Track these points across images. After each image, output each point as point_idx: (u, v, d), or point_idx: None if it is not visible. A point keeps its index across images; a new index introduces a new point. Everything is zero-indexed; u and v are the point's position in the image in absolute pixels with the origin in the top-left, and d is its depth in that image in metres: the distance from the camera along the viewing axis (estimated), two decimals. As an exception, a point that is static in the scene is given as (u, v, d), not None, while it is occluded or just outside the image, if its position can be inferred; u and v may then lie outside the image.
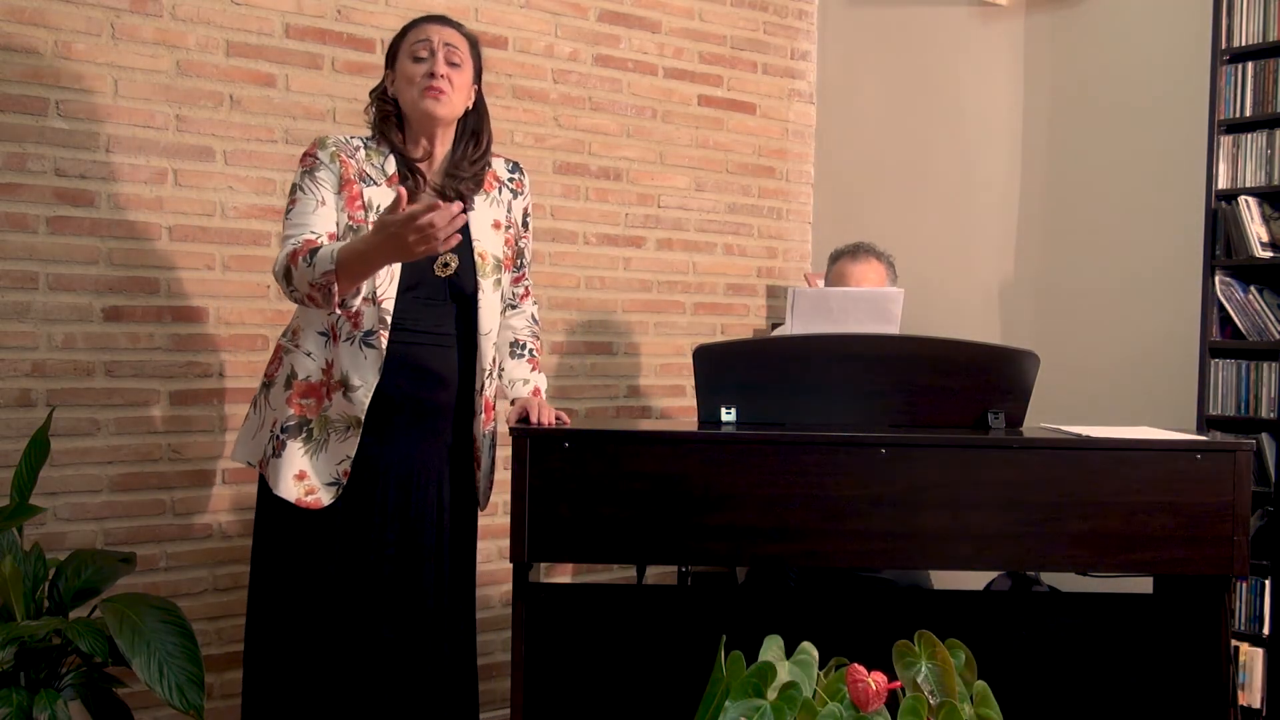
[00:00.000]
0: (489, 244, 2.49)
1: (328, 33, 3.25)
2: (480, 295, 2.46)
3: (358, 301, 2.32)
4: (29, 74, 2.82)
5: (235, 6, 3.10)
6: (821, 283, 3.47)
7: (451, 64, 2.42)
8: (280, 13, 3.17)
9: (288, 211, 2.40)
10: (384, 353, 2.35)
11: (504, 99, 3.57)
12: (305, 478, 2.37)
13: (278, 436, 2.38)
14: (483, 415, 2.51)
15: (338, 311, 2.32)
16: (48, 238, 2.86)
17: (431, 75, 2.39)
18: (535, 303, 2.76)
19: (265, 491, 2.45)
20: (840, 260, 3.42)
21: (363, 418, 2.36)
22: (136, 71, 2.96)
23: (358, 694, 2.41)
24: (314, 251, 2.25)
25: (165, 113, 3.01)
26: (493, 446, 2.57)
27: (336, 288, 2.22)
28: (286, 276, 2.30)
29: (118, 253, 2.95)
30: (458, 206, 2.16)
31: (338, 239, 2.36)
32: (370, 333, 2.35)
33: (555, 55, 3.70)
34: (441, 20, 2.49)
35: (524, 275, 2.69)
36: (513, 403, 2.61)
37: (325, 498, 2.37)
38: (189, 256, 3.05)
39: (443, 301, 2.44)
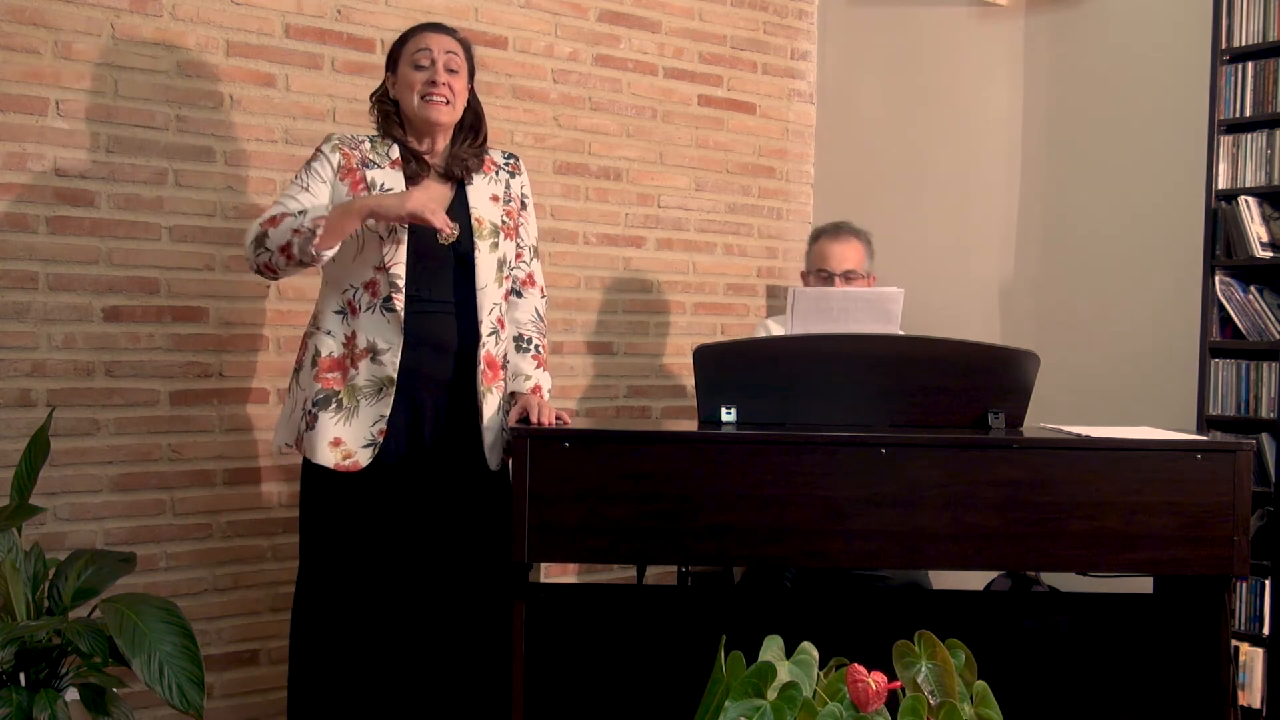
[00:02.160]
0: (486, 212, 2.65)
1: (328, 33, 3.25)
2: (476, 254, 2.60)
3: (328, 255, 2.46)
4: (29, 74, 2.82)
5: (235, 6, 3.10)
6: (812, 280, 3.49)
7: (451, 71, 2.60)
8: (280, 13, 3.17)
9: (284, 190, 2.61)
10: (402, 315, 2.51)
11: (504, 99, 3.57)
12: (341, 444, 2.53)
13: (309, 411, 2.54)
14: (486, 370, 2.61)
15: (311, 261, 2.46)
16: (48, 238, 2.86)
17: (433, 84, 2.57)
18: (544, 297, 2.83)
19: (307, 469, 2.60)
20: (820, 240, 3.48)
21: (395, 376, 2.52)
22: (136, 71, 2.96)
23: (402, 655, 2.56)
24: (303, 211, 2.49)
25: (165, 113, 3.01)
26: (503, 407, 2.65)
27: (320, 232, 2.41)
28: (259, 238, 2.49)
29: (118, 253, 2.95)
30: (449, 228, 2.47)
31: None
32: (388, 298, 2.53)
33: (555, 55, 3.70)
34: (439, 29, 2.65)
35: (524, 254, 2.78)
36: (513, 397, 2.64)
37: (363, 459, 2.53)
38: (189, 256, 3.05)
39: (445, 268, 2.58)
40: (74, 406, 2.89)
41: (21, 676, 2.48)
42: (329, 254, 2.47)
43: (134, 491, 2.98)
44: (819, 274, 3.41)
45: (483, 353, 2.60)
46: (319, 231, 2.42)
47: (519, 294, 2.77)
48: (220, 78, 3.09)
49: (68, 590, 2.58)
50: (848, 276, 3.37)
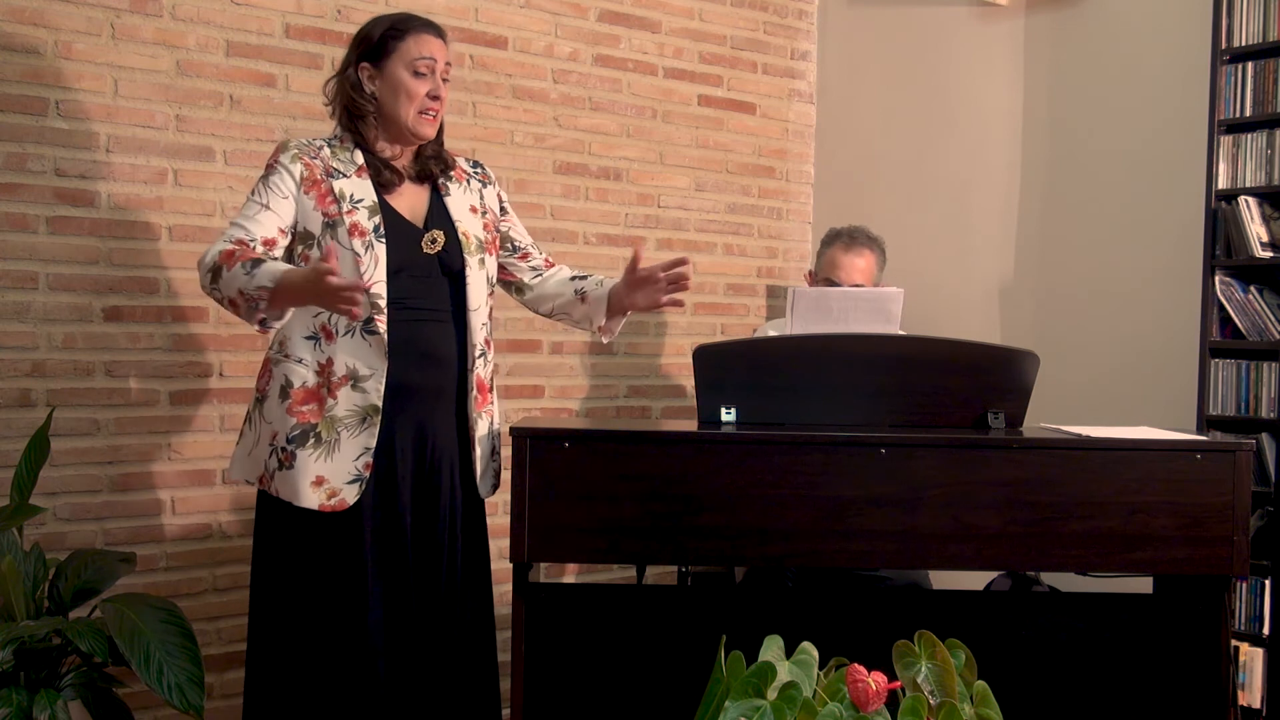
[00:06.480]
0: (470, 225, 2.52)
1: (328, 33, 3.25)
2: (468, 271, 2.48)
3: (275, 326, 2.29)
4: (29, 74, 2.82)
5: (235, 6, 3.10)
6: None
7: (445, 81, 2.47)
8: (280, 13, 3.17)
9: (242, 208, 2.41)
10: (385, 337, 2.36)
11: (504, 99, 3.57)
12: (324, 482, 2.35)
13: (283, 449, 2.36)
14: (477, 395, 2.49)
15: (256, 329, 2.28)
16: (48, 238, 2.86)
17: (436, 98, 2.44)
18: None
19: (266, 505, 2.43)
20: (834, 246, 3.41)
21: (380, 404, 2.36)
22: (136, 71, 2.96)
23: (376, 694, 2.41)
24: (257, 262, 2.23)
25: (165, 113, 3.01)
26: (492, 434, 2.56)
27: (265, 304, 2.20)
28: (214, 272, 2.26)
29: (118, 253, 2.95)
30: (363, 286, 2.20)
31: (288, 236, 2.38)
32: (369, 320, 2.35)
33: (555, 55, 3.70)
34: (440, 34, 2.49)
35: (531, 252, 2.70)
36: (602, 284, 2.62)
37: (349, 497, 2.36)
38: (189, 256, 3.05)
39: (434, 277, 2.45)
40: (74, 406, 2.89)
41: (21, 676, 2.48)
42: (276, 325, 2.28)
43: (134, 491, 2.98)
44: (826, 281, 3.38)
45: (474, 375, 2.47)
46: (261, 305, 2.21)
47: (539, 274, 2.69)
48: (220, 78, 3.09)
49: (68, 590, 2.59)
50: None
